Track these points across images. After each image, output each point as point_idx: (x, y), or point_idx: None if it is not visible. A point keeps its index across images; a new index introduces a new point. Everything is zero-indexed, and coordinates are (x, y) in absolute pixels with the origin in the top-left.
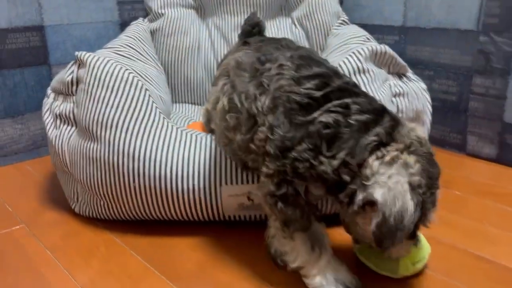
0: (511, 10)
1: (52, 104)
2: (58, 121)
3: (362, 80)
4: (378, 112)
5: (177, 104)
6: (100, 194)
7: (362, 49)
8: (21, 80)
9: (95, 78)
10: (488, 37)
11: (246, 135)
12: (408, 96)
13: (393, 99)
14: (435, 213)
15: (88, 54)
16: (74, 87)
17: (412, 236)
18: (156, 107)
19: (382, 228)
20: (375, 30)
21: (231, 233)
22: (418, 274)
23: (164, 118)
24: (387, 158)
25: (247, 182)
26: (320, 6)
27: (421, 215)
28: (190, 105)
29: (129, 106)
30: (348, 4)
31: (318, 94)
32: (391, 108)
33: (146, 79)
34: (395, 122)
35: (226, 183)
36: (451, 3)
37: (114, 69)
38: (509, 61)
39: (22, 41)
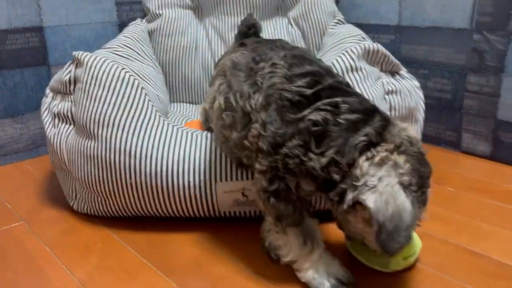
0: (504, 8)
1: (51, 104)
2: (56, 120)
3: (355, 78)
4: (369, 112)
5: (175, 104)
6: (97, 191)
7: (355, 47)
8: (21, 80)
9: (92, 77)
10: (481, 36)
11: (241, 133)
12: (401, 94)
13: (386, 96)
14: (426, 210)
15: (85, 53)
16: (72, 86)
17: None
18: (152, 106)
19: (382, 235)
20: (371, 29)
21: (227, 229)
22: (410, 267)
23: (160, 116)
24: (377, 159)
25: (242, 178)
26: (316, 6)
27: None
28: (188, 104)
29: (126, 105)
30: (344, 3)
31: (309, 92)
32: (384, 105)
33: (144, 78)
34: (386, 122)
35: (221, 180)
36: (445, 2)
37: (111, 68)
38: (502, 59)
39: (21, 41)
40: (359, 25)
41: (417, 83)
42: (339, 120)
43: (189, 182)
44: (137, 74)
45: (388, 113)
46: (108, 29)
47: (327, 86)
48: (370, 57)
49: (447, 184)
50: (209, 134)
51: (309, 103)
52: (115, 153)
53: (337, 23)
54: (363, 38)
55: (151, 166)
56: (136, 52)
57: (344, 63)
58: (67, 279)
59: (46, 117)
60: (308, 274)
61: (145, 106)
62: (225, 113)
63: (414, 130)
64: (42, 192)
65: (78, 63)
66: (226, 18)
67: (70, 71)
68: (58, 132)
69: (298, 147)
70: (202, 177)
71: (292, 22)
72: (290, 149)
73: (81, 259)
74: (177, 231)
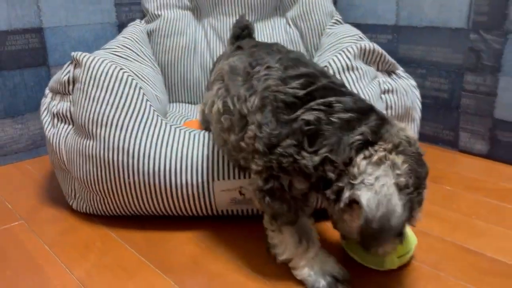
0: (500, 8)
1: (50, 104)
2: (56, 120)
3: (351, 77)
4: (363, 111)
5: (174, 104)
6: (96, 190)
7: (351, 47)
8: (20, 81)
9: (90, 77)
10: (478, 35)
11: (238, 135)
12: (397, 93)
13: (382, 95)
14: (422, 209)
15: (83, 54)
16: (71, 86)
17: (399, 235)
18: (150, 105)
19: (365, 231)
20: (369, 29)
21: (224, 227)
22: (406, 265)
23: (158, 115)
24: (375, 158)
25: (239, 177)
26: (314, 6)
27: (409, 215)
28: (186, 104)
29: (124, 104)
30: (342, 3)
31: (301, 92)
32: (380, 104)
33: (143, 79)
34: (382, 121)
35: (218, 179)
36: (442, 2)
37: (109, 68)
38: (499, 58)
39: (21, 42)
40: (357, 25)
41: (413, 82)
42: (332, 119)
43: (186, 181)
44: (136, 75)
45: (384, 112)
46: (107, 30)
47: (321, 87)
48: (366, 56)
49: (444, 183)
50: (206, 133)
51: (302, 104)
52: (113, 153)
53: (335, 23)
54: (360, 38)
55: (149, 165)
56: (135, 52)
57: (340, 62)
58: (66, 278)
59: (45, 117)
60: (304, 271)
61: (143, 105)
62: (224, 117)
63: (412, 130)
64: (42, 191)
65: (76, 64)
66: (225, 19)
67: (68, 72)
68: (57, 132)
69: (292, 147)
70: (199, 176)
71: (290, 23)
72: (285, 149)
73: (80, 258)
74: (175, 229)
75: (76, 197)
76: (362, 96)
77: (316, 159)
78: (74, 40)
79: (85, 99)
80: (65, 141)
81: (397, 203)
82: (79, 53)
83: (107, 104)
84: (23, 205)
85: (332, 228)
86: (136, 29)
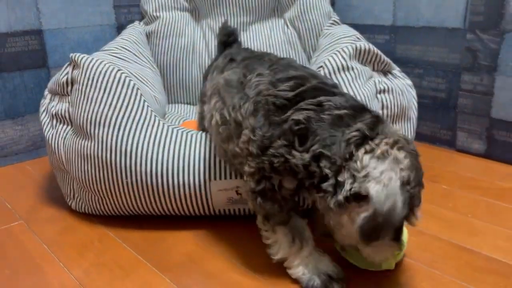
0: (496, 7)
1: (49, 105)
2: (54, 121)
3: (347, 77)
4: (357, 108)
5: (173, 105)
6: (94, 190)
7: (347, 47)
8: (20, 83)
9: (88, 78)
10: (474, 35)
11: (235, 143)
12: (393, 93)
13: (378, 95)
14: (420, 210)
15: (82, 55)
16: (69, 88)
17: (397, 239)
18: (148, 106)
19: (370, 223)
20: (366, 30)
21: (221, 226)
22: (401, 263)
23: (155, 116)
24: (378, 152)
25: (236, 177)
26: (312, 7)
27: (408, 212)
28: (185, 105)
29: (121, 105)
30: (340, 4)
31: (291, 94)
32: (376, 104)
33: (141, 80)
34: (377, 120)
35: (215, 178)
36: (438, 3)
37: (107, 69)
38: (495, 57)
39: (21, 44)
40: (355, 26)
41: (409, 82)
42: (323, 116)
43: (184, 180)
44: (134, 76)
45: (380, 111)
46: (106, 31)
47: (311, 88)
48: (362, 56)
49: (441, 182)
50: (203, 134)
51: (292, 105)
52: (111, 153)
53: (333, 24)
54: (358, 38)
55: (146, 165)
56: (134, 54)
57: (336, 62)
58: (65, 277)
59: (44, 118)
60: (298, 270)
61: (141, 106)
62: (222, 128)
63: (408, 130)
64: (41, 192)
65: (75, 65)
66: (223, 20)
67: (67, 73)
68: (56, 133)
69: (283, 147)
70: (196, 176)
71: (288, 23)
72: (276, 149)
73: (79, 257)
74: (172, 229)
75: (75, 197)
76: (358, 96)
77: (306, 156)
78: (73, 42)
79: (83, 100)
80: (63, 142)
81: (400, 198)
82: (77, 54)
83: (105, 105)
84: (23, 205)
85: (321, 241)
86: (135, 30)
